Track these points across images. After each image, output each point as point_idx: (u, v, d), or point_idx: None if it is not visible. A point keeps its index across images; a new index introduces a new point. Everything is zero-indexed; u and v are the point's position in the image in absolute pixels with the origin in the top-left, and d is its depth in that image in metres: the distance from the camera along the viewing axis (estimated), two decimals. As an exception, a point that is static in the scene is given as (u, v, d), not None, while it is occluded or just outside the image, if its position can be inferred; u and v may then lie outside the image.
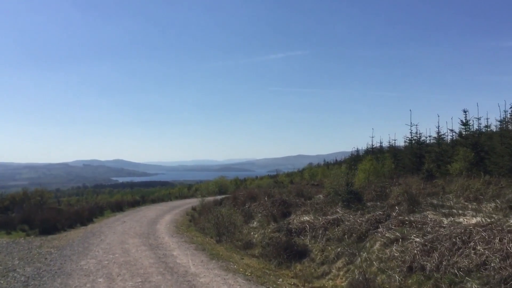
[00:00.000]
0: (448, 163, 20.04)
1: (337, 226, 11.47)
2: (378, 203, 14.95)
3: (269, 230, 14.12)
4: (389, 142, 35.45)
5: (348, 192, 15.51)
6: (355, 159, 43.97)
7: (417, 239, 8.31)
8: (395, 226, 9.50)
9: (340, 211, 14.74)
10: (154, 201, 34.51)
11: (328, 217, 12.55)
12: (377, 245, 9.12)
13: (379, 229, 9.78)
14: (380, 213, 10.84)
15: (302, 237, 11.87)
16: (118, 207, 26.27)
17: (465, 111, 22.15)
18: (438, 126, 23.60)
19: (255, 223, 16.43)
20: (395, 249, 8.46)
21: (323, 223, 11.84)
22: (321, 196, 20.91)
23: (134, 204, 30.27)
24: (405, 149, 29.21)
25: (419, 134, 26.18)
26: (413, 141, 27.81)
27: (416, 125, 26.72)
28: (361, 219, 10.81)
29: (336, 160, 78.94)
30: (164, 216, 21.43)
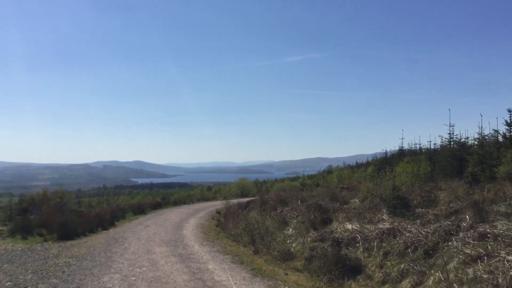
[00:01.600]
0: (494, 166, 18.51)
1: (393, 237, 9.99)
2: (430, 210, 13.50)
3: (309, 239, 12.67)
4: (419, 144, 34.02)
5: (394, 197, 14.06)
6: (382, 161, 42.31)
7: (510, 257, 6.80)
8: (473, 240, 7.98)
9: (386, 218, 13.31)
10: (175, 203, 33.33)
11: (380, 226, 11.09)
12: (454, 263, 7.58)
13: (451, 243, 8.28)
14: (448, 223, 9.30)
15: (352, 249, 10.39)
16: (140, 210, 25.11)
17: (510, 111, 20.60)
18: (481, 127, 21.97)
19: (290, 230, 15.00)
20: (481, 268, 6.94)
21: (376, 233, 10.35)
22: (356, 200, 19.53)
23: (156, 206, 29.11)
24: (443, 150, 27.62)
25: (460, 135, 24.59)
26: (452, 143, 26.19)
27: (452, 126, 25.09)
28: (425, 230, 9.29)
29: (357, 162, 77.17)
30: (188, 220, 20.15)
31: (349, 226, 12.47)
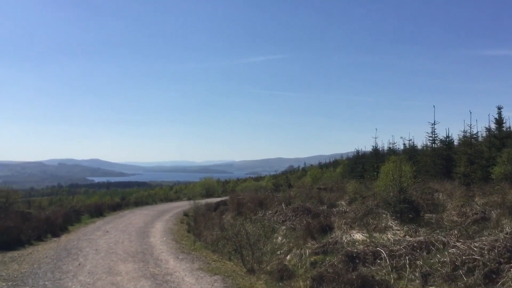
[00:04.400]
0: (487, 166, 17.10)
1: (427, 253, 7.92)
2: (442, 216, 11.66)
3: (308, 251, 10.47)
4: (393, 144, 33.16)
5: (400, 200, 12.12)
6: (356, 161, 40.83)
7: None
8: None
9: (393, 225, 11.36)
10: (137, 204, 30.53)
11: (410, 238, 8.92)
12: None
13: (523, 265, 6.23)
14: (505, 236, 7.23)
15: (372, 267, 8.20)
16: (98, 211, 22.28)
17: (499, 108, 19.33)
18: (470, 124, 20.53)
19: (279, 238, 12.75)
20: None
21: (404, 247, 8.22)
22: (343, 202, 17.65)
23: (115, 207, 26.26)
24: (427, 150, 26.26)
25: (447, 133, 23.18)
26: (437, 141, 24.75)
27: (434, 124, 23.61)
28: (477, 244, 7.18)
29: (320, 162, 76.26)
30: (154, 224, 17.61)
31: (358, 236, 10.34)
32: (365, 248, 8.74)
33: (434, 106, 23.32)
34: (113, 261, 9.60)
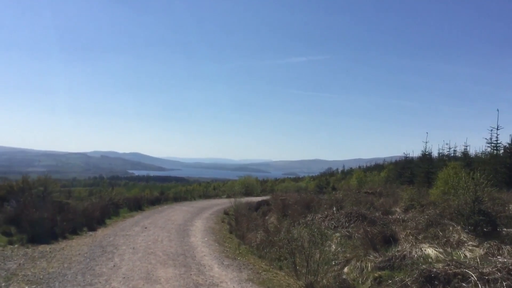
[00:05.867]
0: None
1: (528, 279, 6.46)
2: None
3: (371, 265, 9.14)
4: (449, 149, 31.80)
5: (475, 211, 10.68)
6: (403, 166, 39.13)
7: None
8: None
9: (466, 239, 9.91)
10: (176, 200, 29.76)
11: (503, 259, 7.35)
12: None
13: None
14: None
15: (457, 292, 6.78)
16: (137, 205, 21.57)
17: None
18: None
19: (333, 246, 11.41)
20: None
21: (499, 270, 6.76)
22: (398, 209, 16.31)
23: (154, 201, 25.57)
24: (485, 157, 24.47)
25: (512, 140, 21.48)
26: (498, 147, 23.01)
27: (496, 130, 21.84)
28: None
29: (359, 166, 74.30)
30: (194, 222, 16.63)
31: (430, 251, 8.93)
32: (446, 268, 7.31)
33: (498, 110, 21.64)
34: (152, 264, 8.52)
